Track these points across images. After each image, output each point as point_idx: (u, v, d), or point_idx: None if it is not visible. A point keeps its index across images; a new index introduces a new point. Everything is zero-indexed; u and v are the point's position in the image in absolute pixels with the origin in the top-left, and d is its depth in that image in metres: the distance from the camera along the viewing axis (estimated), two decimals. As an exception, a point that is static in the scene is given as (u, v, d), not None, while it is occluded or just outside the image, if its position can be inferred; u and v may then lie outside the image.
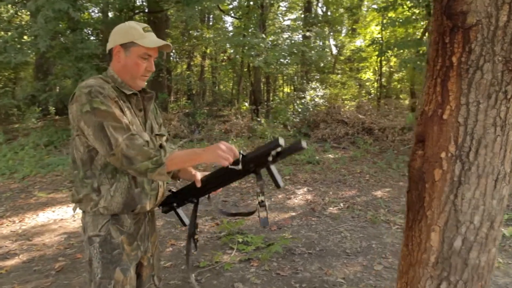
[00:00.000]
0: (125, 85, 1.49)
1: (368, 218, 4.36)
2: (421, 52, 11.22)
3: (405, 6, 10.19)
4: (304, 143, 1.31)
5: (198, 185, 1.53)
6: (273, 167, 1.39)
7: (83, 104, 1.35)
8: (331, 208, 4.70)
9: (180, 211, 1.75)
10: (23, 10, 11.03)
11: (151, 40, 1.48)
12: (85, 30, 9.80)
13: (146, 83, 1.56)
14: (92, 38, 9.50)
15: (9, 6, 9.51)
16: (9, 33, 9.89)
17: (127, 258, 1.51)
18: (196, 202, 1.65)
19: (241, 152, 1.39)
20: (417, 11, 10.04)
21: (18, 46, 8.59)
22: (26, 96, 11.63)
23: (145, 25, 1.51)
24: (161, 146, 1.48)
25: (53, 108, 10.79)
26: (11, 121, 12.41)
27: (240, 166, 1.35)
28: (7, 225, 4.31)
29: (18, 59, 8.23)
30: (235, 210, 4.64)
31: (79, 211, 1.53)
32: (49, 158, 7.57)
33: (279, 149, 1.33)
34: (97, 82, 1.41)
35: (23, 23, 11.10)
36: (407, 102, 14.31)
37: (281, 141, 1.30)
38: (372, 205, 4.85)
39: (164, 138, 1.70)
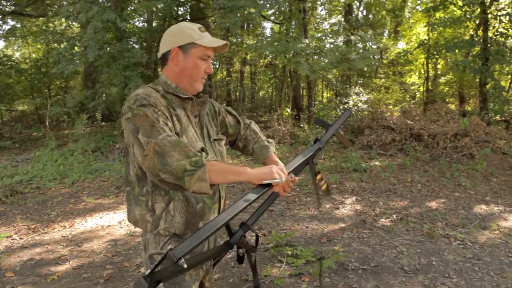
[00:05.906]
0: (180, 89, 1.39)
1: (425, 231, 4.04)
2: (474, 52, 10.57)
3: (456, 5, 9.65)
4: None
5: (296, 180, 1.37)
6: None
7: (125, 113, 1.27)
8: (383, 220, 4.42)
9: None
10: (74, 23, 11.62)
11: (211, 39, 1.39)
12: (131, 40, 10.11)
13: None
14: (136, 47, 9.78)
15: (63, 19, 10.01)
16: (62, 45, 10.43)
17: (189, 278, 1.40)
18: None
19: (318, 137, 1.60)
20: (469, 9, 9.46)
21: (70, 57, 9.00)
22: (75, 104, 12.16)
23: (199, 25, 1.41)
24: (202, 149, 1.21)
25: (100, 115, 11.21)
26: (62, 128, 13.06)
27: (283, 179, 1.27)
28: (58, 230, 4.42)
29: (70, 69, 8.61)
30: (278, 218, 4.48)
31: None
32: (96, 164, 7.80)
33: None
34: (144, 91, 1.32)
35: (73, 35, 11.67)
36: (453, 106, 13.51)
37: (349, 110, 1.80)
38: (427, 217, 4.51)
39: (223, 142, 1.56)
